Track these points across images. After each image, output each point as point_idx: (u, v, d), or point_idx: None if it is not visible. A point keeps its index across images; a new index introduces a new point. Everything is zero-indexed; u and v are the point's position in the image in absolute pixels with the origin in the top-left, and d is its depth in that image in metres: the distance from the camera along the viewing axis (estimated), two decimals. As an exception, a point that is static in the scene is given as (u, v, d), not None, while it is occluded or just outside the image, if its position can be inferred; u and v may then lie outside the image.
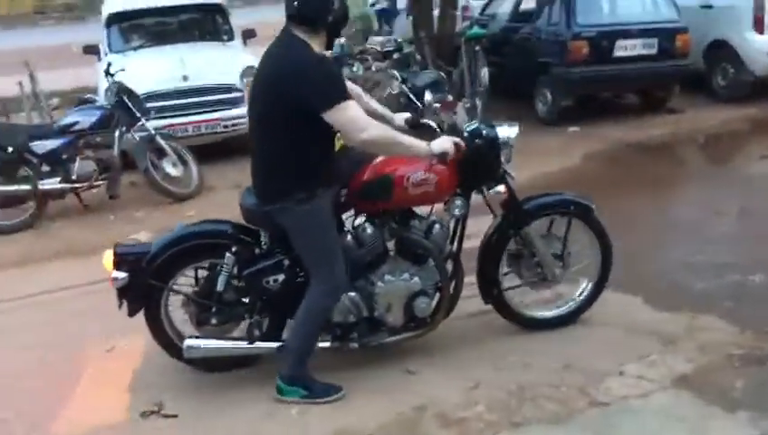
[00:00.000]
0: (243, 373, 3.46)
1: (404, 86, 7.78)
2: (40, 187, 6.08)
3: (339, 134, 3.12)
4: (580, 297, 3.73)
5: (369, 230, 3.29)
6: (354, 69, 8.00)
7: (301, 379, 3.22)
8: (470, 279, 3.61)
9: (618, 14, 8.12)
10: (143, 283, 3.28)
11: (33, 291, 4.75)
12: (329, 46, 3.10)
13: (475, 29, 8.38)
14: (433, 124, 3.39)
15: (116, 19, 8.45)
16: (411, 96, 7.59)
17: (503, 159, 3.34)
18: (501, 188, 3.37)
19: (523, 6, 9.03)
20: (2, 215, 6.18)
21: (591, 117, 8.22)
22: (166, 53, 7.96)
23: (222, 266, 3.29)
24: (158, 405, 3.28)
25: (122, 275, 3.25)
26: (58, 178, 6.15)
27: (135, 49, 8.29)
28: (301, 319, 3.20)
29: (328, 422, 3.08)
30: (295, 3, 2.94)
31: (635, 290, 4.07)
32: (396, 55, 7.27)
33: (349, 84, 3.21)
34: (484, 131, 3.34)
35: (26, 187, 6.06)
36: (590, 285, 3.72)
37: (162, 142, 6.46)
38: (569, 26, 7.81)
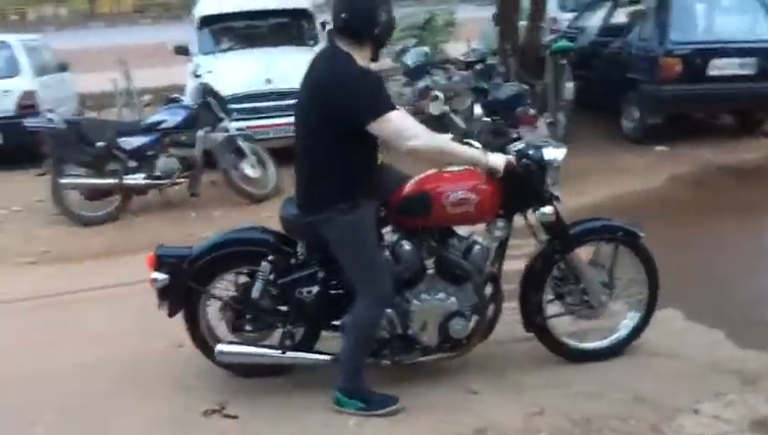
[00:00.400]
0: (304, 379, 3.46)
1: (446, 107, 7.67)
2: (125, 181, 6.31)
3: (380, 148, 3.11)
4: (627, 328, 3.57)
5: (407, 247, 3.24)
6: (436, 78, 7.96)
7: (357, 391, 3.20)
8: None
9: (714, 31, 7.81)
10: (182, 285, 3.33)
11: (112, 282, 4.92)
12: (374, 58, 3.08)
13: (563, 42, 8.20)
14: (477, 144, 3.30)
15: (207, 21, 8.71)
16: (453, 117, 7.51)
17: (548, 180, 3.24)
18: (548, 209, 3.25)
19: (614, 20, 8.79)
20: (89, 207, 6.45)
21: (680, 137, 7.91)
22: (252, 56, 8.12)
23: (258, 274, 3.32)
24: (221, 405, 3.32)
25: (162, 276, 3.32)
26: (143, 174, 6.38)
27: (223, 51, 8.52)
28: (349, 332, 3.19)
29: (384, 437, 3.05)
30: (343, 15, 2.95)
31: (717, 323, 3.87)
32: (478, 66, 7.18)
33: None
34: (530, 152, 3.24)
35: (113, 181, 6.31)
36: (636, 316, 3.56)
37: (243, 144, 6.59)
38: (661, 42, 7.55)
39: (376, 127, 2.91)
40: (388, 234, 3.32)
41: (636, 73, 7.84)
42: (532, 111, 6.21)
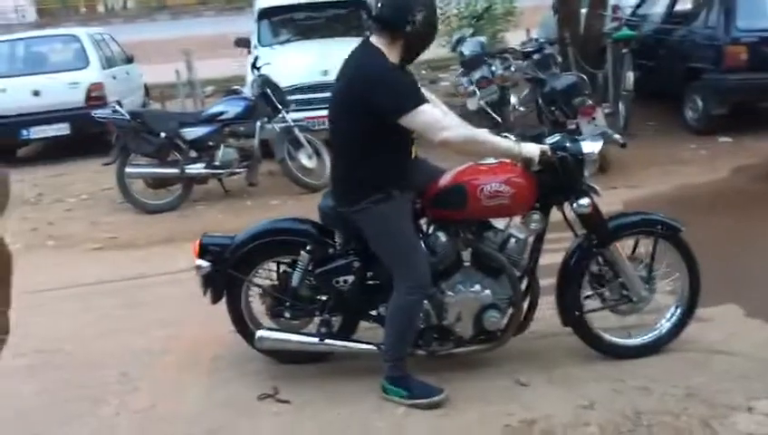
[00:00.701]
0: (355, 366, 3.52)
1: (482, 102, 7.67)
2: (187, 171, 6.50)
3: (415, 141, 3.13)
4: (667, 324, 3.51)
5: (443, 239, 3.25)
6: (493, 68, 7.91)
7: (401, 380, 3.24)
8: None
9: (784, 18, 7.51)
10: (224, 273, 3.44)
11: (175, 268, 5.06)
12: (405, 59, 3.06)
13: (624, 30, 8.03)
14: (512, 137, 3.27)
15: (267, 14, 8.87)
16: (489, 110, 7.50)
17: (586, 173, 3.21)
18: (585, 201, 3.21)
19: (678, 8, 8.55)
20: (153, 195, 6.68)
21: (745, 128, 7.65)
22: (309, 48, 8.23)
23: (297, 263, 3.39)
24: (274, 390, 3.42)
25: (205, 264, 3.44)
26: (203, 164, 6.56)
27: (282, 43, 8.65)
28: (389, 321, 3.23)
29: (432, 426, 3.08)
30: (379, 3, 2.98)
31: (777, 320, 3.77)
32: (536, 56, 7.09)
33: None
34: (567, 144, 3.21)
35: (175, 170, 6.51)
36: (677, 312, 3.50)
37: (299, 134, 6.70)
38: (727, 30, 7.30)
39: (407, 120, 2.93)
40: (424, 226, 3.35)
41: (700, 62, 7.61)
42: (589, 102, 6.13)
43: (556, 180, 3.19)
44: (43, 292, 4.77)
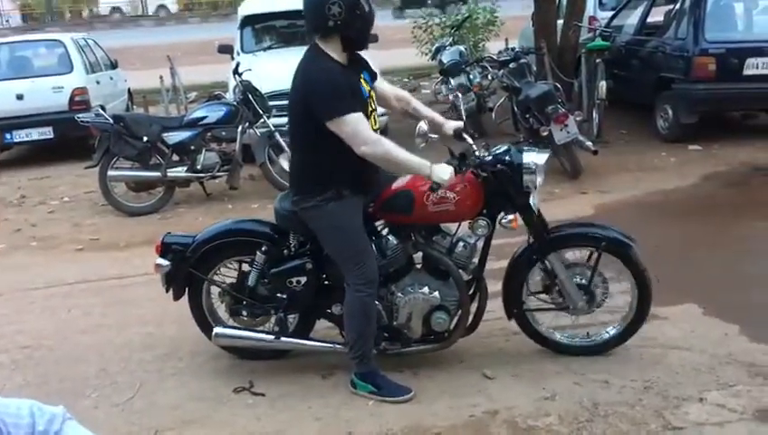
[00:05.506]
0: (328, 361, 3.64)
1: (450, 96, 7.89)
2: (168, 174, 6.61)
3: None
4: (611, 332, 3.62)
5: (394, 242, 3.35)
6: (471, 76, 8.08)
7: (369, 376, 3.34)
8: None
9: (752, 31, 7.76)
10: (184, 271, 3.53)
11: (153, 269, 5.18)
12: (347, 51, 3.13)
13: (598, 41, 8.25)
14: (470, 139, 3.33)
15: (249, 21, 8.98)
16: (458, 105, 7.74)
17: (529, 185, 3.25)
18: (510, 216, 3.30)
19: (651, 20, 8.79)
20: (135, 198, 6.78)
21: (715, 136, 7.88)
22: (291, 55, 8.27)
23: (254, 263, 3.49)
24: (250, 383, 3.53)
25: (165, 262, 3.53)
26: (185, 168, 6.66)
27: (264, 50, 8.78)
28: (347, 319, 3.32)
29: (401, 415, 3.21)
30: (303, 11, 3.08)
31: (734, 318, 3.93)
32: (512, 65, 7.26)
33: (394, 89, 3.44)
34: (507, 157, 3.27)
35: (157, 174, 6.61)
36: (623, 323, 3.59)
37: (280, 139, 6.81)
38: (696, 42, 7.52)
39: (333, 126, 3.01)
40: (377, 229, 3.43)
41: (670, 72, 7.82)
42: (561, 110, 6.30)
43: (499, 190, 3.28)
44: (27, 290, 4.86)
